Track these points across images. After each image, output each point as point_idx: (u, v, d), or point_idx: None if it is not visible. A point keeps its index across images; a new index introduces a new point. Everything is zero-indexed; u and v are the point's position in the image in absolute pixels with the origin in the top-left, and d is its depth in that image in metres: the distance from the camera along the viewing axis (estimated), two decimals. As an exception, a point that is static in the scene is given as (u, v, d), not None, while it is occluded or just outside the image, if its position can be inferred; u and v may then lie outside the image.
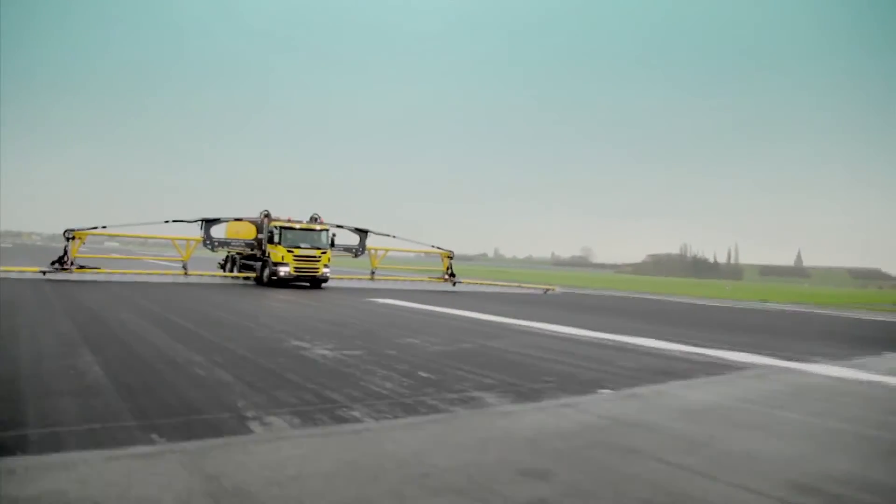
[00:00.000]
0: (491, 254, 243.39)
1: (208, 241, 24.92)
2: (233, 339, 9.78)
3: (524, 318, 15.89)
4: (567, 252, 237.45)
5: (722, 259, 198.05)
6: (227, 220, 26.37)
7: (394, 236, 29.80)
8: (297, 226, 25.38)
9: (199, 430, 4.72)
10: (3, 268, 22.62)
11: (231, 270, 29.47)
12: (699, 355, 10.65)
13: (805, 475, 4.45)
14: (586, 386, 7.36)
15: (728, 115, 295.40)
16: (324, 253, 25.26)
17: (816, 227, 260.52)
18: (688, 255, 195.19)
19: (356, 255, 28.93)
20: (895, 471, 4.70)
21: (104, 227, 23.74)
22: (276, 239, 24.74)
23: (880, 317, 27.15)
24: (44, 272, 21.95)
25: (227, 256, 30.25)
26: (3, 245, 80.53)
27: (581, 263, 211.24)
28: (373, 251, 29.34)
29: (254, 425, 4.96)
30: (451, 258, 31.48)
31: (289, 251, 24.50)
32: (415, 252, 38.64)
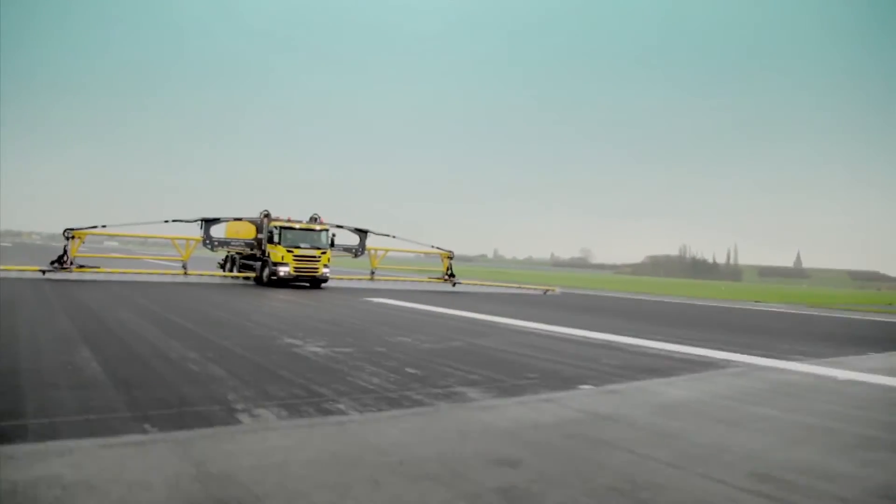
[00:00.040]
0: (490, 254, 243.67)
1: (208, 241, 25.06)
2: (228, 336, 10.02)
3: (518, 318, 16.12)
4: (566, 253, 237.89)
5: (721, 260, 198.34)
6: (226, 220, 26.51)
7: (394, 236, 30.00)
8: (297, 226, 25.52)
9: (190, 421, 4.95)
10: (2, 267, 22.83)
11: (231, 270, 29.65)
12: (684, 354, 10.88)
13: (767, 465, 4.68)
14: (569, 382, 7.60)
15: (728, 115, 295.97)
16: (324, 253, 25.41)
17: (816, 228, 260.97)
18: (687, 256, 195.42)
19: (356, 256, 29.08)
20: (853, 461, 4.91)
21: (104, 226, 23.92)
22: (276, 239, 24.89)
23: (873, 317, 27.37)
24: (43, 272, 22.13)
25: (227, 256, 30.41)
26: (2, 244, 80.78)
27: (580, 264, 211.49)
28: (373, 251, 29.51)
29: (242, 417, 5.19)
30: (451, 258, 31.65)
31: (288, 251, 24.64)
32: (414, 252, 38.76)
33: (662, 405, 6.62)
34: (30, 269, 23.10)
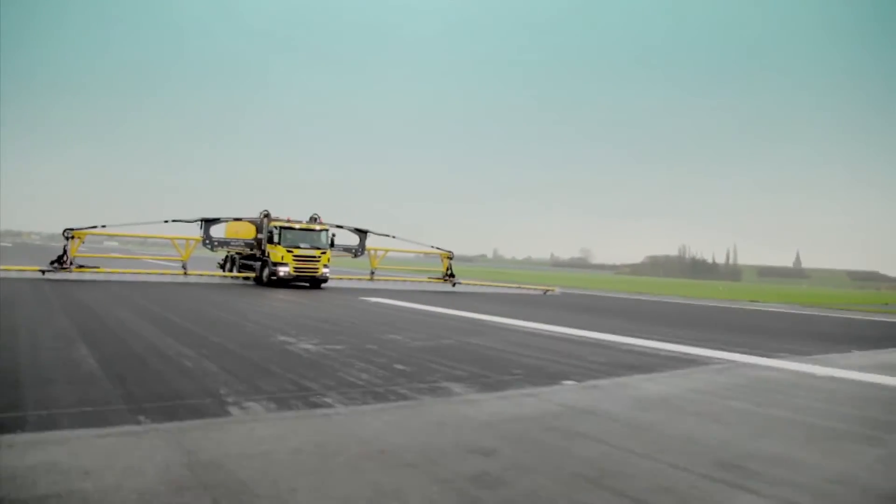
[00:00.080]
0: (490, 255, 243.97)
1: (208, 241, 25.20)
2: (223, 334, 10.24)
3: (514, 318, 16.35)
4: (566, 253, 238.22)
5: (720, 260, 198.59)
6: (226, 220, 26.64)
7: (393, 237, 30.15)
8: (297, 226, 25.64)
9: (182, 414, 5.18)
10: (2, 267, 22.97)
11: (230, 270, 29.80)
12: (671, 351, 11.11)
13: (732, 455, 4.91)
14: (552, 378, 7.82)
15: (728, 115, 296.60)
16: (323, 253, 25.54)
17: (816, 228, 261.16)
18: (686, 256, 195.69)
19: (356, 256, 29.21)
20: (815, 451, 5.13)
21: (104, 226, 24.10)
22: (276, 239, 25.02)
23: (867, 317, 27.59)
24: (43, 272, 22.29)
25: (227, 256, 30.56)
26: (2, 244, 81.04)
27: (580, 264, 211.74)
28: (372, 251, 29.67)
29: (233, 409, 5.43)
30: (451, 259, 31.81)
31: (288, 251, 24.78)
32: (414, 253, 38.93)
33: (640, 400, 6.84)
34: (29, 270, 23.29)
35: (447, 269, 31.47)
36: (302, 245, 25.15)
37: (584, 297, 32.76)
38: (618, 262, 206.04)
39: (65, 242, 22.90)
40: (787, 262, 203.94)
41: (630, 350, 11.07)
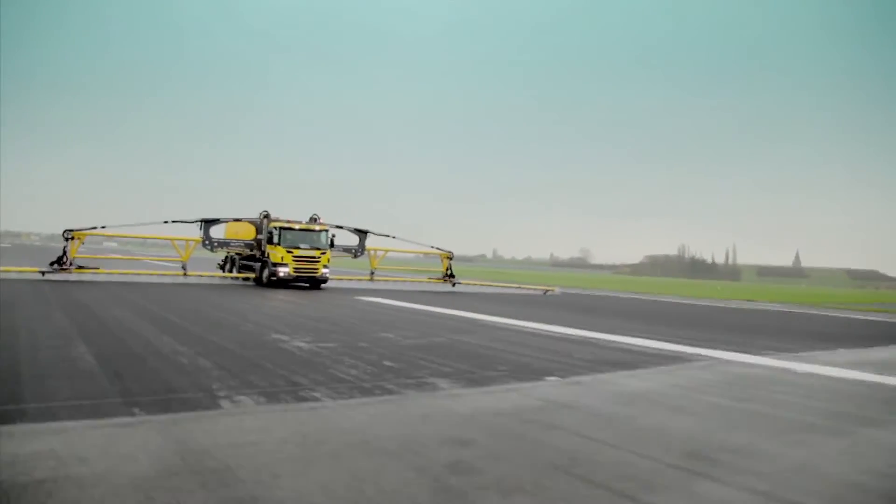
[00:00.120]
0: (490, 255, 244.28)
1: (207, 242, 25.37)
2: (220, 333, 10.48)
3: (509, 317, 16.57)
4: (566, 253, 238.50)
5: (720, 260, 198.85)
6: (226, 221, 26.83)
7: (393, 237, 30.31)
8: (297, 226, 25.78)
9: (175, 406, 5.42)
10: (2, 268, 23.13)
11: (230, 271, 29.96)
12: (657, 349, 11.34)
13: (700, 446, 5.13)
14: (537, 374, 8.06)
15: (728, 115, 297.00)
16: (323, 254, 25.70)
17: (816, 228, 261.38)
18: (685, 255, 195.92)
19: (355, 256, 29.35)
20: (781, 442, 5.36)
21: (103, 227, 24.28)
22: (276, 239, 25.15)
23: (861, 316, 27.81)
24: (43, 273, 22.45)
25: (227, 257, 30.73)
26: (1, 245, 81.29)
27: (579, 264, 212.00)
28: (372, 252, 29.85)
29: (224, 402, 5.66)
30: (451, 259, 31.96)
31: (288, 252, 24.92)
32: (414, 253, 39.07)
33: (620, 395, 7.07)
34: (29, 270, 23.48)
35: (447, 270, 31.62)
36: (302, 246, 25.29)
37: (583, 296, 33.00)
38: (617, 262, 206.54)
39: (64, 243, 23.07)
40: (786, 261, 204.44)
41: (618, 348, 11.30)
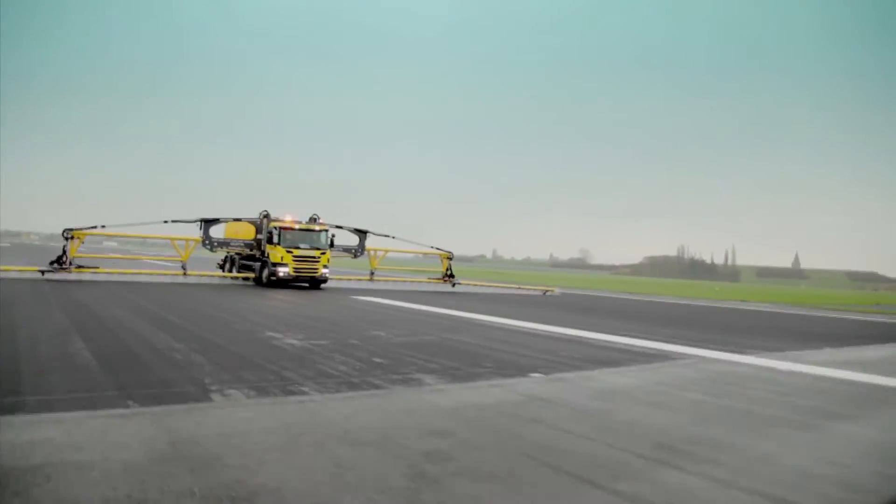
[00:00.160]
0: (489, 255, 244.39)
1: (207, 242, 25.50)
2: (214, 331, 10.72)
3: (504, 317, 16.79)
4: (565, 253, 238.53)
5: (719, 261, 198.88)
6: (226, 221, 26.93)
7: (393, 237, 30.40)
8: (297, 226, 25.90)
9: (168, 399, 5.65)
10: (2, 268, 23.32)
11: (230, 271, 30.09)
12: (644, 347, 11.56)
13: (671, 438, 5.35)
14: (522, 371, 8.28)
15: (728, 115, 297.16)
16: (323, 254, 25.84)
17: (815, 228, 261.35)
18: (685, 256, 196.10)
19: (355, 256, 29.46)
20: (751, 436, 5.58)
21: (103, 226, 24.40)
22: (276, 239, 25.27)
23: (856, 317, 28.01)
24: (42, 272, 22.61)
25: (227, 257, 30.86)
26: (1, 245, 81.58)
27: (579, 265, 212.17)
28: (372, 252, 29.99)
29: (215, 396, 5.90)
30: (451, 259, 32.11)
31: (288, 251, 25.05)
32: (414, 253, 39.19)
33: (600, 390, 7.30)
34: (29, 270, 23.67)
35: (447, 270, 31.74)
36: (301, 245, 25.43)
37: (582, 297, 33.21)
38: (617, 263, 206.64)
39: (64, 243, 23.23)
40: (786, 262, 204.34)
41: (605, 346, 11.52)
